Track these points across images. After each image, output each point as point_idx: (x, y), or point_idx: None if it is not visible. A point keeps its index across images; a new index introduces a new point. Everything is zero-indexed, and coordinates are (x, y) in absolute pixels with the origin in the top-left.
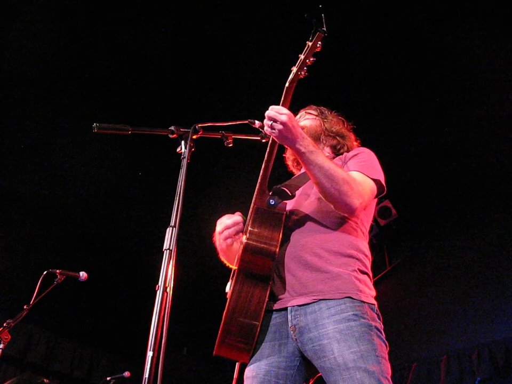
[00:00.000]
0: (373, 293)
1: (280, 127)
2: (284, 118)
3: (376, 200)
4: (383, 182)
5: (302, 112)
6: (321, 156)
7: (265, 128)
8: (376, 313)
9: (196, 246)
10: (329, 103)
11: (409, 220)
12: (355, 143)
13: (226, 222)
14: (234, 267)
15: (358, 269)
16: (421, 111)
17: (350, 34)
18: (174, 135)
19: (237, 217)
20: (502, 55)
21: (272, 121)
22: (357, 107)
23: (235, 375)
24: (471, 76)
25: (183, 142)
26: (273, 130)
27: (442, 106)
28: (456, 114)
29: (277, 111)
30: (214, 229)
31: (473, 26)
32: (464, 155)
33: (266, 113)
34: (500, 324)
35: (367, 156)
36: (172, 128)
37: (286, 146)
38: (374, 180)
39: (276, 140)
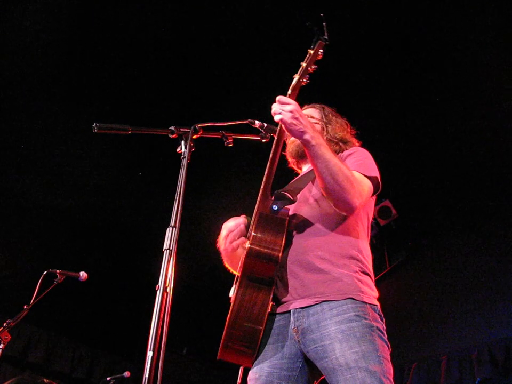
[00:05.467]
0: (375, 294)
1: (289, 114)
2: (289, 107)
3: (374, 198)
4: (379, 179)
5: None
6: (329, 150)
7: (275, 117)
8: (378, 314)
9: (196, 246)
10: (329, 101)
11: (409, 220)
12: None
13: (229, 226)
14: (237, 273)
15: (360, 270)
16: (421, 111)
17: (350, 33)
18: (174, 135)
19: (239, 220)
20: (502, 55)
21: (279, 109)
22: (357, 106)
23: (239, 380)
24: (472, 76)
25: (183, 142)
26: (279, 115)
27: (443, 106)
28: (457, 114)
29: (283, 102)
30: (218, 232)
31: (473, 27)
32: (465, 155)
33: (273, 105)
34: (500, 324)
35: (363, 155)
36: (172, 128)
37: (294, 137)
38: (371, 178)
39: (284, 127)
